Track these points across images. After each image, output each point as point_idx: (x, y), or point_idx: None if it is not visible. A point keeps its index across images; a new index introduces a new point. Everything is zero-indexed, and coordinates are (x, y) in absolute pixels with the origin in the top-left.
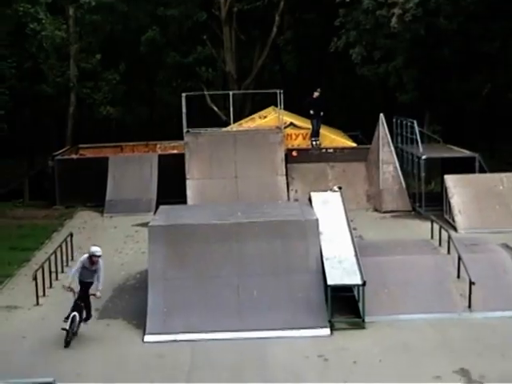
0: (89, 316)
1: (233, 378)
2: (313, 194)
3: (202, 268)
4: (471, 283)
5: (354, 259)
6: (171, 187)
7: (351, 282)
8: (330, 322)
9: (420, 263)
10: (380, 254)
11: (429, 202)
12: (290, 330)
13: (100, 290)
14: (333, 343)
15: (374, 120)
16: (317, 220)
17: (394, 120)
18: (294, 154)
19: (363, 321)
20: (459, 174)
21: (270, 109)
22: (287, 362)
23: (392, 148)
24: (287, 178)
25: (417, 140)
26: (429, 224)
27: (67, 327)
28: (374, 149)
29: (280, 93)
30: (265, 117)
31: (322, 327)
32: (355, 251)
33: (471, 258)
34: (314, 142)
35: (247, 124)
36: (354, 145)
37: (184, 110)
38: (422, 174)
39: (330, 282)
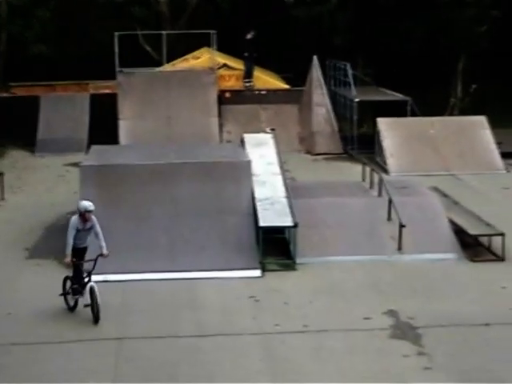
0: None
1: (163, 317)
2: (245, 135)
3: (134, 209)
4: (402, 226)
5: (285, 201)
6: (103, 127)
7: (283, 223)
8: (261, 263)
9: (351, 205)
10: (312, 196)
11: (361, 145)
12: (222, 271)
13: (105, 247)
14: (264, 284)
15: (307, 62)
16: (249, 162)
17: (328, 63)
18: (227, 95)
19: (294, 262)
20: (391, 118)
21: (204, 50)
22: (218, 302)
23: (325, 91)
24: (220, 120)
25: (350, 83)
26: (360, 167)
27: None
28: (307, 91)
29: (213, 34)
30: (198, 57)
31: (253, 268)
32: (287, 193)
33: (402, 201)
34: (247, 84)
35: (180, 64)
36: (287, 87)
37: (116, 49)
38: (355, 117)
39: (261, 223)
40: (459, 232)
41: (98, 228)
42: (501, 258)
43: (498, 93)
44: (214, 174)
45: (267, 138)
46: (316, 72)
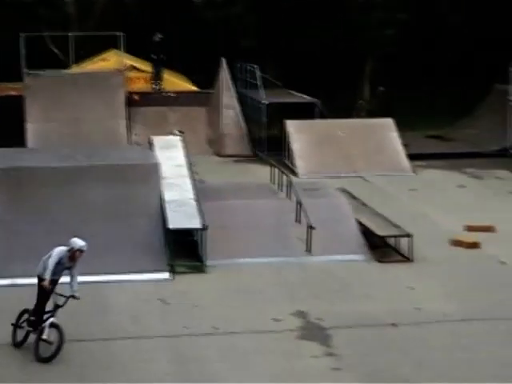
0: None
1: (71, 320)
2: (154, 137)
3: (42, 212)
4: (310, 227)
5: (194, 203)
6: (10, 130)
7: (191, 225)
8: (170, 265)
9: (260, 207)
10: (221, 198)
11: (270, 147)
12: (130, 273)
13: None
14: (173, 287)
15: (216, 65)
16: (157, 164)
17: (237, 65)
18: (136, 97)
19: (204, 265)
20: (300, 120)
21: (112, 51)
22: (127, 305)
23: (233, 93)
24: (129, 122)
25: (259, 85)
26: (269, 169)
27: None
28: (216, 93)
29: (121, 35)
30: (106, 59)
31: (161, 271)
32: (196, 195)
33: (311, 202)
34: (155, 86)
35: (88, 66)
36: (196, 89)
37: (23, 50)
38: (264, 119)
39: (170, 225)
40: (367, 233)
41: (75, 270)
42: (408, 259)
43: (404, 95)
44: (122, 176)
45: (176, 140)
46: (224, 74)
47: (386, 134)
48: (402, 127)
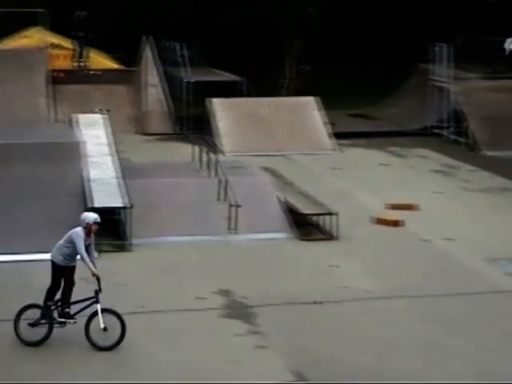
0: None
1: None
2: (77, 115)
3: None
4: (235, 206)
5: (119, 182)
6: None
7: (116, 204)
8: None
9: (185, 186)
10: (145, 176)
11: (195, 126)
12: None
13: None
14: (98, 266)
15: (140, 43)
16: (80, 142)
17: (162, 43)
18: (60, 75)
19: (129, 243)
20: (225, 98)
21: (34, 28)
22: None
23: (157, 71)
24: (51, 100)
25: (184, 63)
26: (194, 147)
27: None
28: (140, 72)
29: (44, 12)
30: (29, 37)
31: None
32: (121, 173)
33: (235, 180)
34: (78, 63)
35: (10, 43)
36: (120, 67)
37: None
38: (188, 98)
39: (94, 204)
40: (292, 212)
41: (93, 246)
42: (332, 237)
43: (329, 74)
44: (45, 154)
45: (99, 118)
46: (148, 52)
47: (310, 113)
48: (326, 106)
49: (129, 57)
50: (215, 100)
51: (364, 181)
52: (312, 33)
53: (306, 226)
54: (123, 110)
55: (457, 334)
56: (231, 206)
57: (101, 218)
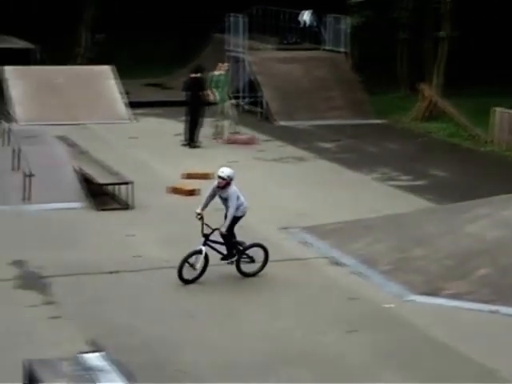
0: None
1: None
2: None
3: None
4: (28, 175)
5: None
6: None
7: None
8: None
9: None
10: None
11: None
12: None
13: (226, 226)
14: None
15: None
16: None
17: None
18: None
19: None
20: (18, 66)
21: None
22: None
23: None
24: None
25: None
26: None
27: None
28: None
29: None
30: None
31: None
32: None
33: (29, 150)
34: None
35: None
36: None
37: None
38: None
39: None
40: (87, 181)
41: (231, 202)
42: (128, 207)
43: (124, 43)
44: None
45: None
46: None
47: (105, 82)
48: (121, 75)
49: None
50: (7, 68)
51: (160, 151)
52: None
53: (102, 195)
54: None
55: (255, 299)
56: (25, 175)
57: None
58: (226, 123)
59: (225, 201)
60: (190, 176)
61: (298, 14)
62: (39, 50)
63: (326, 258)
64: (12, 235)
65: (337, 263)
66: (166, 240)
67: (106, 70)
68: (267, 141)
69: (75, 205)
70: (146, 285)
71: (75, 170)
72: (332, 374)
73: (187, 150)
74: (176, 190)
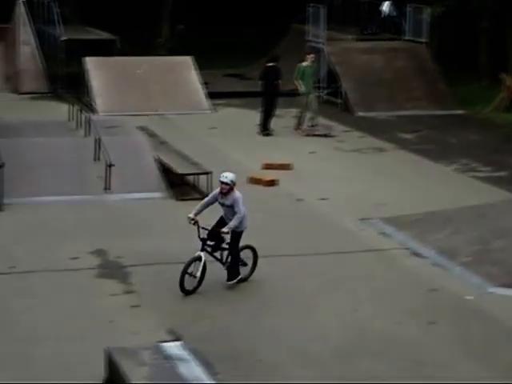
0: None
1: None
2: None
3: None
4: (109, 165)
5: None
6: None
7: None
8: None
9: (59, 145)
10: (18, 135)
11: (69, 85)
12: None
13: (230, 226)
14: None
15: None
16: None
17: (35, 0)
18: None
19: (0, 203)
20: (99, 57)
21: None
22: None
23: (30, 28)
24: None
25: (57, 21)
26: (68, 106)
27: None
28: (13, 28)
29: None
30: None
31: None
32: None
33: (110, 140)
34: None
35: None
36: None
37: None
38: (61, 56)
39: None
40: (167, 171)
41: (238, 207)
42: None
43: (205, 34)
44: None
45: None
46: (20, 9)
47: (186, 72)
48: (201, 66)
49: (1, 13)
50: (89, 59)
51: (239, 141)
52: None
53: (181, 185)
54: None
55: (334, 290)
56: (106, 165)
57: None
58: (308, 115)
59: (228, 208)
60: (269, 166)
61: (377, 4)
62: (120, 41)
63: (406, 248)
64: (93, 224)
65: (416, 254)
66: (246, 230)
67: (187, 60)
68: (346, 131)
69: (155, 195)
70: (225, 274)
71: (155, 160)
72: (410, 365)
73: (266, 140)
74: (256, 180)
